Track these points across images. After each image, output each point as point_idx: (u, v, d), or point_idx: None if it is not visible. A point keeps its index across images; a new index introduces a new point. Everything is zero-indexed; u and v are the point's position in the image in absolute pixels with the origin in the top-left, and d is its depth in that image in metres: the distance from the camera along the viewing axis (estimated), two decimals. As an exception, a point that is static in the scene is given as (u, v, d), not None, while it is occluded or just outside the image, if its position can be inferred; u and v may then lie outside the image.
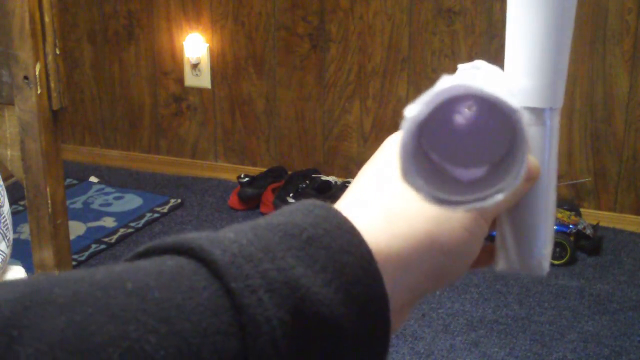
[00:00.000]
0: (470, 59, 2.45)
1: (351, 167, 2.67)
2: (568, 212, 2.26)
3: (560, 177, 2.45)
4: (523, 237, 0.39)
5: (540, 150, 0.39)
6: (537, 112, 0.38)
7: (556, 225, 2.19)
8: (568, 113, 2.40)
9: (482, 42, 2.44)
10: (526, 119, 0.35)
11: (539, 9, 0.37)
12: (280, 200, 2.43)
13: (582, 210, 2.39)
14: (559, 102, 0.39)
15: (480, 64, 0.39)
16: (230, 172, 2.76)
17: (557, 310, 1.91)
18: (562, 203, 2.36)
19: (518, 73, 0.38)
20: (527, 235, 0.39)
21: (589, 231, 2.19)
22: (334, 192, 2.45)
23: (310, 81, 2.65)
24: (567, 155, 2.43)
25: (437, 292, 1.98)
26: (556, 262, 2.14)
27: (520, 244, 0.39)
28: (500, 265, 0.40)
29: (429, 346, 1.74)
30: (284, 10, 2.61)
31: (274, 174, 2.62)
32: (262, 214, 2.46)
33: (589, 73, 2.34)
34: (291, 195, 2.44)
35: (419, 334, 1.79)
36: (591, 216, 2.38)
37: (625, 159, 2.37)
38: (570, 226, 2.18)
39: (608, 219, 2.40)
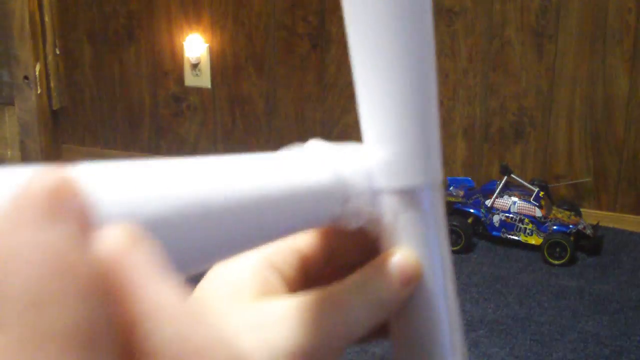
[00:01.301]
0: (470, 59, 2.45)
1: (351, 167, 2.67)
2: (568, 212, 2.26)
3: (560, 177, 2.45)
4: (418, 353, 0.30)
5: (421, 243, 0.29)
6: (407, 193, 0.28)
7: (556, 225, 2.19)
8: (568, 113, 2.40)
9: (482, 42, 2.44)
10: (390, 203, 0.28)
11: (387, 43, 0.27)
12: (280, 200, 2.42)
13: (582, 210, 2.39)
14: (437, 176, 0.29)
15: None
16: (230, 172, 2.76)
17: (557, 310, 1.91)
18: (562, 203, 2.36)
19: (376, 142, 0.29)
20: (423, 351, 0.30)
21: (589, 231, 2.19)
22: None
23: (310, 81, 2.65)
24: (567, 155, 2.43)
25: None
26: (556, 262, 2.14)
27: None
28: None
29: (429, 346, 1.74)
30: (284, 10, 2.61)
31: (274, 174, 2.62)
32: (262, 214, 2.46)
33: (589, 73, 2.34)
34: (291, 195, 2.44)
35: (419, 334, 1.78)
36: (591, 216, 2.38)
37: (625, 159, 2.37)
38: (570, 226, 2.18)
39: (608, 219, 2.40)
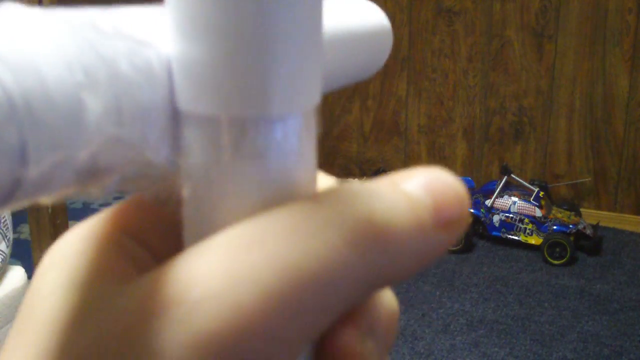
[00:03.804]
0: (470, 59, 2.45)
1: (351, 167, 2.67)
2: (568, 212, 2.26)
3: (560, 177, 2.45)
4: None
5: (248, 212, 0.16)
6: (235, 124, 0.16)
7: (556, 225, 2.19)
8: (568, 113, 2.40)
9: (482, 42, 2.44)
10: (198, 139, 0.16)
11: None
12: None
13: (582, 210, 2.39)
14: (302, 104, 0.16)
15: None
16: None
17: (557, 310, 1.91)
18: (562, 203, 2.36)
19: (182, 37, 0.16)
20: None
21: (589, 231, 2.19)
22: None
23: (310, 81, 2.65)
24: (567, 155, 2.43)
25: (437, 292, 1.98)
26: (556, 262, 2.14)
27: None
28: None
29: (429, 346, 1.74)
30: (284, 10, 2.61)
31: (274, 174, 2.62)
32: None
33: (589, 73, 2.34)
34: (291, 195, 2.44)
35: (419, 334, 1.79)
36: (591, 216, 2.38)
37: (625, 159, 2.37)
38: (570, 226, 2.18)
39: (608, 219, 2.40)
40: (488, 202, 2.25)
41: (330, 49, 0.22)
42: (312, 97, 0.17)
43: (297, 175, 0.17)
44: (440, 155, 2.57)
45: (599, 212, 2.43)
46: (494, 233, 2.26)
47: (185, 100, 0.16)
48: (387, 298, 0.19)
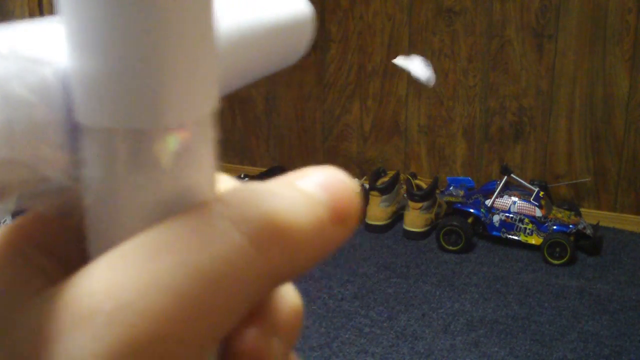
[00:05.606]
0: (470, 59, 2.45)
1: (351, 167, 2.67)
2: (568, 212, 2.26)
3: (560, 177, 2.45)
4: None
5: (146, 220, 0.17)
6: (130, 136, 0.16)
7: (556, 225, 2.19)
8: (568, 113, 2.40)
9: (482, 42, 2.44)
10: (96, 151, 0.16)
11: None
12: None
13: (582, 210, 2.39)
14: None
15: None
16: (230, 172, 2.76)
17: (557, 310, 1.91)
18: (562, 203, 2.36)
19: (79, 54, 0.16)
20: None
21: (589, 231, 2.19)
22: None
23: (310, 81, 2.65)
24: (567, 155, 2.43)
25: (437, 292, 1.98)
26: (556, 262, 2.14)
27: None
28: None
29: (429, 346, 1.74)
30: (284, 10, 2.61)
31: (274, 174, 2.62)
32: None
33: (589, 73, 2.34)
34: (291, 195, 2.44)
35: (419, 334, 1.79)
36: (591, 216, 2.38)
37: (625, 159, 2.37)
38: (570, 226, 2.18)
39: (608, 219, 2.40)
40: (488, 202, 2.25)
41: (240, 43, 0.22)
42: (207, 104, 0.17)
43: (195, 180, 0.17)
44: (440, 155, 2.57)
45: (599, 212, 2.43)
46: (494, 233, 2.26)
47: (82, 114, 0.16)
48: (290, 296, 0.19)
